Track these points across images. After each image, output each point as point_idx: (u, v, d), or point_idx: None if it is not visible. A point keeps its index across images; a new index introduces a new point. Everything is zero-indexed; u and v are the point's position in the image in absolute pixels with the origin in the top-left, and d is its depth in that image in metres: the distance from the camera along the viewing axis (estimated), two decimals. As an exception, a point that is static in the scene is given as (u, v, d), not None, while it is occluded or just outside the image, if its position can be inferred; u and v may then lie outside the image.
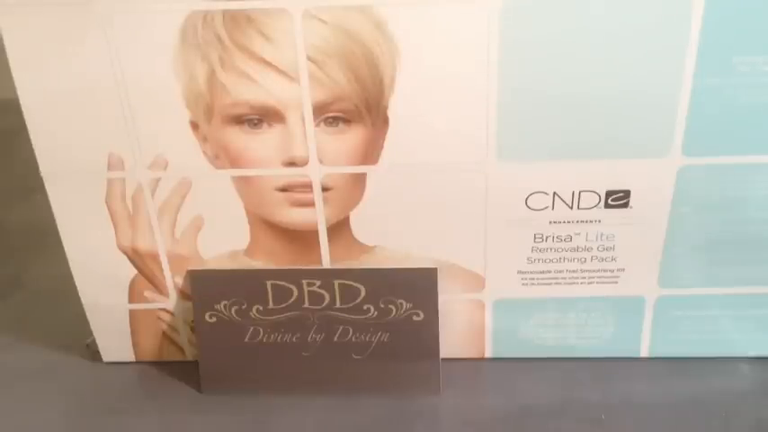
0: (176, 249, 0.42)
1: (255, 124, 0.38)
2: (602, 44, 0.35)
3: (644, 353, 0.45)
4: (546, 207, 0.40)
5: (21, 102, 0.38)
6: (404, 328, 0.42)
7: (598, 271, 0.42)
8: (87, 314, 0.45)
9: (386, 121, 0.38)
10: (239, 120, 0.38)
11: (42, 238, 0.45)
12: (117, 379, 0.46)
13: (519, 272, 0.42)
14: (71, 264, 0.43)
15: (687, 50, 0.35)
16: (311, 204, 0.40)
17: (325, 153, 0.39)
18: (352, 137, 0.38)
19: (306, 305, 0.42)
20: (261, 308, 0.42)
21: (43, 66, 0.37)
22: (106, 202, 0.41)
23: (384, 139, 0.38)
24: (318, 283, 0.42)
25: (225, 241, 0.42)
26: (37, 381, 0.46)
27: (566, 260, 0.42)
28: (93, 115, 0.38)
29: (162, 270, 0.43)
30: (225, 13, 0.35)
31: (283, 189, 0.40)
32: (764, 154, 0.38)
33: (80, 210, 0.41)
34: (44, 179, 0.40)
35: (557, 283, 0.43)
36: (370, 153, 0.39)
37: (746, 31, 0.35)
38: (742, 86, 0.36)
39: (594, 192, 0.40)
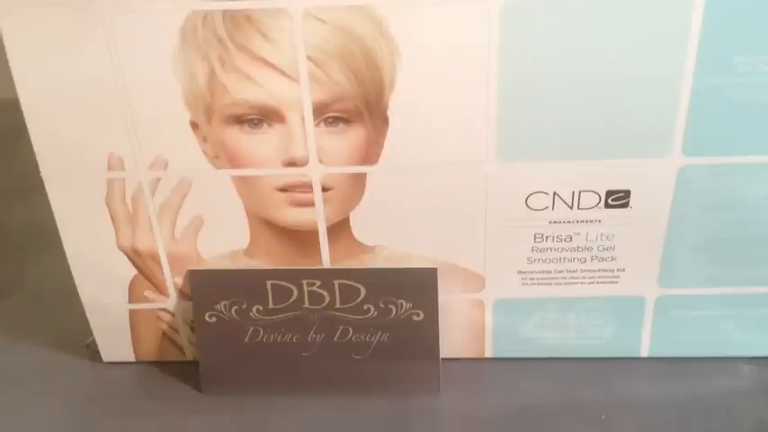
0: (176, 249, 0.42)
1: (255, 124, 0.38)
2: (602, 44, 0.35)
3: (644, 353, 0.45)
4: (546, 207, 0.40)
5: (21, 102, 0.38)
6: (404, 328, 0.42)
7: (598, 271, 0.42)
8: (87, 314, 0.45)
9: (386, 121, 0.38)
10: (239, 120, 0.38)
11: (42, 238, 0.45)
12: (117, 379, 0.46)
13: (519, 272, 0.42)
14: (71, 264, 0.43)
15: (687, 50, 0.35)
16: (311, 204, 0.40)
17: (325, 153, 0.39)
18: (352, 137, 0.38)
19: (306, 305, 0.42)
20: (261, 308, 0.42)
21: (43, 66, 0.37)
22: (106, 202, 0.41)
23: (384, 139, 0.38)
24: (318, 283, 0.42)
25: (225, 241, 0.42)
26: (37, 381, 0.46)
27: (566, 260, 0.42)
28: (93, 115, 0.38)
29: (162, 270, 0.43)
30: (225, 13, 0.35)
31: (283, 189, 0.40)
32: (764, 154, 0.38)
33: (80, 210, 0.41)
34: (44, 179, 0.40)
35: (557, 283, 0.43)
36: (370, 153, 0.39)
37: (746, 31, 0.35)
38: (742, 86, 0.36)
39: (594, 192, 0.40)
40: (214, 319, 0.43)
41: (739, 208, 0.40)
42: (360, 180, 0.40)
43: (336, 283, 0.41)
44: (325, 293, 0.42)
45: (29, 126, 0.39)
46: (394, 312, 0.42)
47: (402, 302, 0.42)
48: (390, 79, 0.37)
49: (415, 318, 0.42)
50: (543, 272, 0.42)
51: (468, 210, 0.40)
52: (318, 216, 0.41)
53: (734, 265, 0.42)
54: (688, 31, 0.35)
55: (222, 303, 0.42)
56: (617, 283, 0.43)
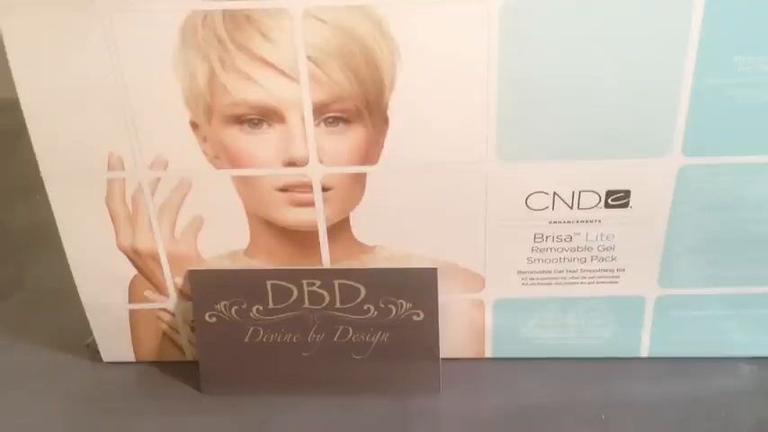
0: (176, 249, 0.42)
1: (255, 124, 0.38)
2: (602, 44, 0.35)
3: (644, 353, 0.45)
4: (546, 207, 0.40)
5: (21, 102, 0.38)
6: (404, 328, 0.42)
7: (598, 271, 0.42)
8: (87, 314, 0.45)
9: (386, 121, 0.38)
10: (239, 120, 0.38)
11: (42, 238, 0.45)
12: (117, 379, 0.46)
13: (519, 272, 0.42)
14: (71, 264, 0.43)
15: (687, 50, 0.35)
16: (311, 204, 0.40)
17: (325, 153, 0.39)
18: (352, 137, 0.38)
19: (306, 305, 0.42)
20: (261, 308, 0.42)
21: (43, 66, 0.37)
22: (106, 202, 0.41)
23: (384, 139, 0.38)
24: (318, 283, 0.42)
25: (225, 241, 0.42)
26: (37, 381, 0.46)
27: (566, 260, 0.42)
28: (93, 115, 0.38)
29: (162, 270, 0.43)
30: (225, 13, 0.35)
31: (283, 189, 0.40)
32: (764, 154, 0.38)
33: (80, 210, 0.41)
34: (44, 179, 0.40)
35: (557, 283, 0.43)
36: (371, 153, 0.39)
37: (746, 30, 0.35)
38: (742, 86, 0.36)
39: (594, 192, 0.40)
40: (214, 319, 0.43)
41: (739, 208, 0.40)
42: (360, 180, 0.40)
43: (336, 283, 0.41)
44: (325, 293, 0.42)
45: (29, 126, 0.39)
46: (394, 312, 0.42)
47: (402, 302, 0.42)
48: (390, 79, 0.37)
49: (415, 318, 0.42)
50: (543, 272, 0.42)
51: (468, 210, 0.40)
52: (318, 216, 0.41)
53: (734, 265, 0.42)
54: (688, 31, 0.35)
55: (222, 303, 0.42)
56: (617, 283, 0.43)
